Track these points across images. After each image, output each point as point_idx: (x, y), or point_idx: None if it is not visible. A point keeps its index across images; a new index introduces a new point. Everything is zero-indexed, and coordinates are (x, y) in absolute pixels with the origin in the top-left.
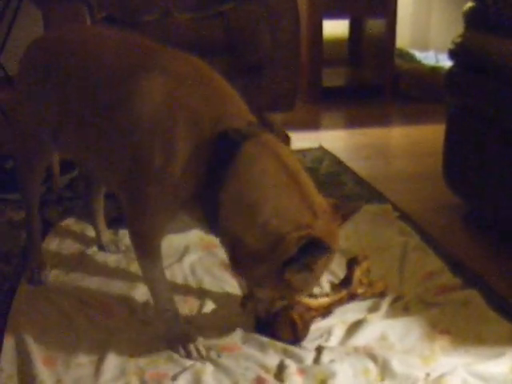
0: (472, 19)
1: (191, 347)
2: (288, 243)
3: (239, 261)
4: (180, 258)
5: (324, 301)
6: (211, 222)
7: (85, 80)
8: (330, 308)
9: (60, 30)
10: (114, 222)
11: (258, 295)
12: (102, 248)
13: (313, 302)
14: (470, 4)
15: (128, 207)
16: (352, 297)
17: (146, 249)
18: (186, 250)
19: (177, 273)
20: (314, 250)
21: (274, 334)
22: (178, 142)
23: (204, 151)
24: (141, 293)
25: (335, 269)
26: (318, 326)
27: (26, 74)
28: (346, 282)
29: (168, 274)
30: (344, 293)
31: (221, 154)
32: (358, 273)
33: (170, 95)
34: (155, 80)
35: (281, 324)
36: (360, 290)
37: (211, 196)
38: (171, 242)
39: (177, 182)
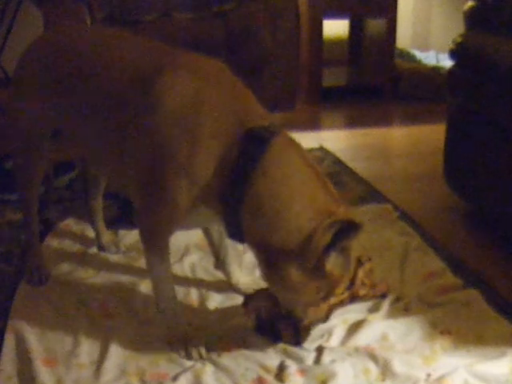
0: (472, 19)
1: (191, 348)
2: (323, 231)
3: (272, 264)
4: (180, 258)
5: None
6: (230, 223)
7: (102, 79)
8: (331, 309)
9: (62, 29)
10: (113, 223)
11: (294, 309)
12: (101, 248)
13: None
14: (470, 3)
15: (143, 202)
16: (354, 298)
17: (157, 245)
18: (186, 250)
19: (177, 273)
20: (347, 231)
21: (275, 336)
22: (206, 139)
23: (231, 149)
24: (141, 293)
25: None
26: (318, 326)
27: (31, 72)
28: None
29: None
30: (346, 294)
31: (249, 151)
32: (360, 274)
33: (198, 93)
34: (183, 78)
35: (283, 327)
36: (362, 292)
37: (235, 194)
38: (171, 242)
39: (201, 179)
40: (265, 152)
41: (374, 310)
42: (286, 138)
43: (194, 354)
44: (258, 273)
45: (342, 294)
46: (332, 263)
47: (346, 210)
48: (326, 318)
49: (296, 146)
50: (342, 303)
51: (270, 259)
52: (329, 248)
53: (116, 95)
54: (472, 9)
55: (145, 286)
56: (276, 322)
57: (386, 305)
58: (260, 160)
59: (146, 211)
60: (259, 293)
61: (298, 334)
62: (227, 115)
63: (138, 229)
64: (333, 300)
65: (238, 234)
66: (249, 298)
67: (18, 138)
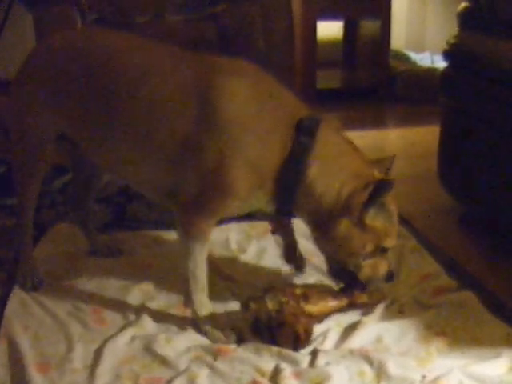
0: (466, 20)
1: (216, 332)
2: (361, 191)
3: (323, 227)
4: (173, 263)
5: (326, 308)
6: (283, 203)
7: (136, 87)
8: (329, 315)
9: (70, 33)
10: (106, 227)
11: (346, 263)
12: (94, 253)
13: (314, 309)
14: (464, 5)
15: (196, 193)
16: (352, 306)
17: (202, 231)
18: (180, 255)
19: (170, 277)
20: (381, 188)
21: (272, 341)
22: (266, 134)
23: (286, 139)
24: (134, 298)
25: None
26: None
27: (41, 76)
28: (346, 289)
29: (162, 276)
30: (345, 301)
31: (302, 140)
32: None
33: (253, 94)
34: (237, 82)
35: (284, 334)
36: (360, 300)
37: (292, 176)
38: (167, 246)
39: (262, 169)
40: (315, 138)
41: (368, 312)
42: (327, 122)
43: (221, 337)
44: None
45: (341, 301)
46: (372, 217)
47: (380, 172)
48: (382, 280)
49: (335, 127)
50: (340, 310)
51: (321, 223)
52: (367, 204)
53: (164, 107)
54: (466, 10)
55: (138, 291)
56: (274, 327)
57: (380, 307)
58: (312, 145)
59: (200, 200)
60: (260, 297)
61: (298, 343)
62: (280, 110)
63: (181, 215)
64: (331, 305)
65: (288, 211)
66: (249, 301)
67: (22, 142)
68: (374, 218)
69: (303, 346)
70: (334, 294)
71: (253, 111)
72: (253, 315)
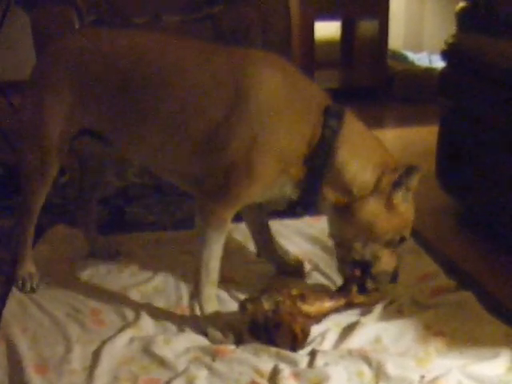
0: (464, 20)
1: (216, 331)
2: (391, 172)
3: (349, 211)
4: (172, 265)
5: (323, 308)
6: (308, 189)
7: (170, 83)
8: (327, 315)
9: (92, 32)
10: (104, 229)
11: (365, 253)
12: (93, 254)
13: (311, 309)
14: (461, 4)
15: (221, 175)
16: (349, 306)
17: (222, 219)
18: (178, 256)
19: (168, 279)
20: (411, 171)
21: (270, 341)
22: (297, 122)
23: (314, 126)
24: (132, 299)
25: (332, 274)
26: (311, 329)
27: (64, 74)
28: (343, 289)
29: (159, 280)
30: (342, 301)
31: (330, 126)
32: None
33: (284, 84)
34: (268, 72)
35: (281, 334)
36: (357, 300)
37: (321, 161)
38: (165, 247)
39: (291, 155)
40: (342, 125)
41: (366, 312)
42: (350, 111)
43: (230, 338)
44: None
45: (338, 301)
46: (399, 199)
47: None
48: (390, 276)
49: (358, 117)
50: (337, 310)
51: (347, 205)
52: (396, 184)
53: (199, 98)
54: (464, 10)
55: (136, 292)
56: (271, 328)
57: (378, 307)
58: (339, 132)
59: (225, 187)
60: (257, 298)
61: (295, 343)
62: (308, 98)
63: (204, 203)
64: (329, 305)
65: (313, 196)
66: (246, 302)
67: (38, 142)
68: (400, 201)
69: (301, 347)
70: (331, 295)
71: (284, 100)
72: (250, 316)
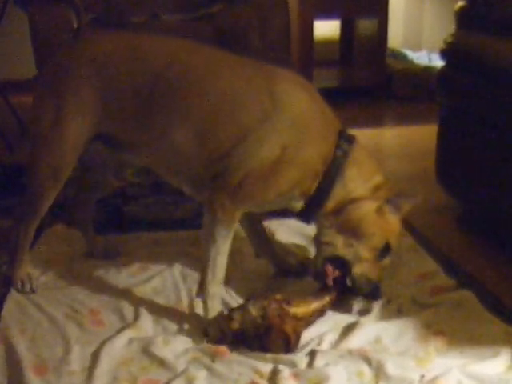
0: (463, 19)
1: (216, 332)
2: (388, 188)
3: (341, 211)
4: (171, 265)
5: (309, 309)
6: (311, 203)
7: (203, 89)
8: (314, 315)
9: (111, 34)
10: (103, 229)
11: (351, 259)
12: (91, 255)
13: (298, 310)
14: (460, 3)
15: (241, 175)
16: (334, 303)
17: (231, 215)
18: (177, 256)
19: (167, 279)
20: (405, 196)
21: (263, 349)
22: (318, 139)
23: (330, 146)
24: (132, 299)
25: None
26: (310, 330)
27: (91, 77)
28: (326, 287)
29: (158, 280)
30: (327, 300)
31: (343, 148)
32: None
33: (314, 102)
34: (303, 90)
35: (273, 338)
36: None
37: (331, 178)
38: (164, 247)
39: (307, 169)
40: (352, 148)
41: (365, 312)
42: (358, 138)
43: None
44: None
45: (323, 300)
46: (390, 211)
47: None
48: (370, 285)
49: (362, 143)
50: (324, 308)
51: (340, 208)
52: (390, 200)
53: (231, 105)
54: (463, 8)
55: (136, 292)
56: (262, 334)
57: (378, 307)
58: (351, 152)
59: (241, 186)
60: (243, 306)
61: (289, 345)
62: (328, 119)
63: (215, 199)
64: (314, 306)
65: (312, 212)
66: (233, 312)
67: (54, 145)
68: (391, 212)
69: (295, 348)
70: (315, 295)
71: (312, 118)
72: (238, 327)
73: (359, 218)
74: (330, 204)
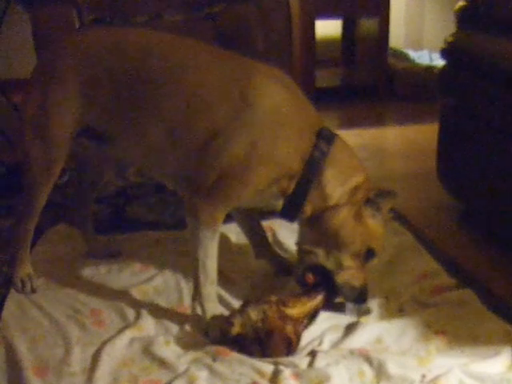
0: (464, 18)
1: (216, 331)
2: (367, 189)
3: (320, 218)
4: (172, 265)
5: (305, 308)
6: (291, 201)
7: (181, 83)
8: (308, 315)
9: (101, 29)
10: (104, 228)
11: (332, 264)
12: (93, 254)
13: (294, 311)
14: (461, 3)
15: (215, 175)
16: (327, 300)
17: (214, 218)
18: (179, 256)
19: (169, 279)
20: (383, 195)
21: (264, 354)
22: (294, 136)
23: (308, 144)
24: (133, 299)
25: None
26: (310, 330)
27: (77, 70)
28: (318, 285)
29: (160, 280)
30: (320, 298)
31: (321, 147)
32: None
33: (287, 98)
34: (274, 84)
35: (275, 341)
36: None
37: (309, 177)
38: (166, 247)
39: (284, 166)
40: (331, 149)
41: (366, 311)
42: (340, 136)
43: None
44: None
45: (316, 299)
46: (368, 215)
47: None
48: (355, 292)
49: (345, 142)
50: (318, 307)
51: (319, 214)
52: (368, 202)
53: (204, 99)
54: (463, 8)
55: (137, 292)
56: (263, 338)
57: (379, 306)
58: (328, 155)
59: (218, 187)
60: (242, 311)
61: (291, 348)
62: (306, 117)
63: (195, 201)
64: (309, 305)
65: (293, 211)
66: (232, 317)
67: (44, 139)
68: (369, 216)
69: (295, 350)
70: (308, 294)
71: (286, 113)
72: (238, 333)
73: (337, 228)
74: (308, 208)
